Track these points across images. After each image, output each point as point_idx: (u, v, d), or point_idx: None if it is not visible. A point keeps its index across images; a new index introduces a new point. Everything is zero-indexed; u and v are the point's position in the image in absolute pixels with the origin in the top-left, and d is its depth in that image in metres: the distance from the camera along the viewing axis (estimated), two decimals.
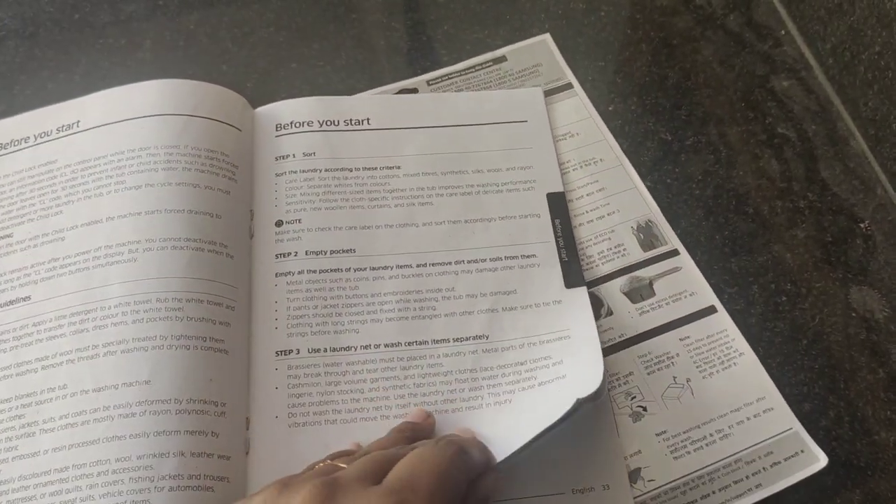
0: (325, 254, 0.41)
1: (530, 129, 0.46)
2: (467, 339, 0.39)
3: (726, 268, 0.42)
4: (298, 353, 0.38)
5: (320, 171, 0.44)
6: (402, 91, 0.48)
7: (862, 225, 0.44)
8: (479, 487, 0.30)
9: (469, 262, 0.41)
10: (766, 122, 0.48)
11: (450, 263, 0.41)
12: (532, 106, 0.47)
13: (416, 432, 0.35)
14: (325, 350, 0.38)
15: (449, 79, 0.49)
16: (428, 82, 0.49)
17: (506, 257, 0.42)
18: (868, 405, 0.39)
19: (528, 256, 0.42)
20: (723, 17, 0.52)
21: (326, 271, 0.40)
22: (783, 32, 0.51)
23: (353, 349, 0.39)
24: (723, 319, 0.40)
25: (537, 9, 0.52)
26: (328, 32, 0.52)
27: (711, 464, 0.37)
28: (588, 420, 0.37)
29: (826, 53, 0.49)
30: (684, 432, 0.37)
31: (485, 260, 0.41)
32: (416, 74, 0.49)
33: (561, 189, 0.44)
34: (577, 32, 0.51)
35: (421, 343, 0.39)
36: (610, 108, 0.48)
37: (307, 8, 0.53)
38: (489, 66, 0.50)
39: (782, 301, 0.42)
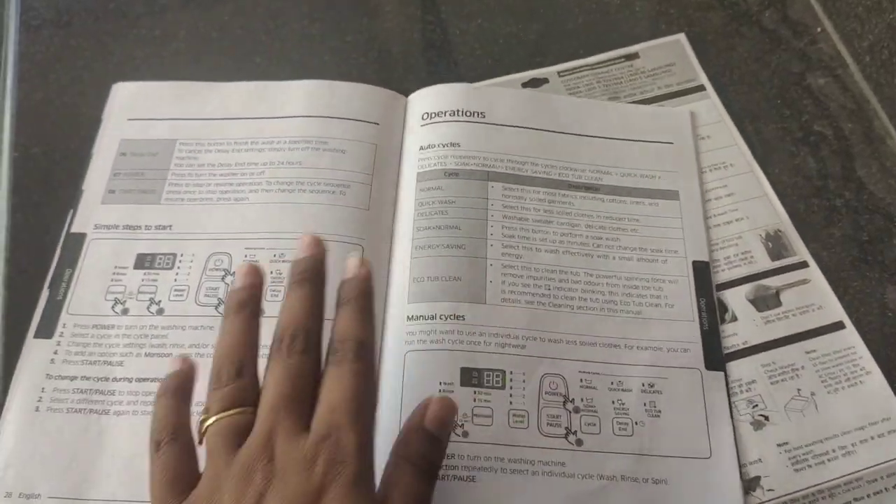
0: None
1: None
2: None
3: None
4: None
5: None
6: (532, 80, 0.48)
7: None
8: None
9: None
10: (802, 120, 0.47)
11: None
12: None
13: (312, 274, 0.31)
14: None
15: (580, 71, 0.49)
16: (559, 73, 0.48)
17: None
18: None
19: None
20: (758, 14, 0.52)
21: None
22: (819, 30, 0.51)
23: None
24: (851, 336, 0.40)
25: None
26: (362, 25, 0.52)
27: (832, 479, 0.36)
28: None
29: (863, 51, 0.48)
30: (806, 445, 0.37)
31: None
32: (460, 72, 0.49)
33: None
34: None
35: None
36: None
37: (341, 0, 0.53)
38: (621, 62, 0.49)
39: None
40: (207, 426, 0.28)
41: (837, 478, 0.36)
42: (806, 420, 0.38)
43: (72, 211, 0.42)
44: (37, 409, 0.36)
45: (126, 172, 0.43)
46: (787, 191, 0.45)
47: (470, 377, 0.37)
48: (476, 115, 0.44)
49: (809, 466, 0.36)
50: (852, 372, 0.39)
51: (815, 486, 0.36)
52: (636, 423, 0.37)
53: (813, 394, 0.38)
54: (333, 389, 0.28)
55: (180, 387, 0.30)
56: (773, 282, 0.41)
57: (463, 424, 0.36)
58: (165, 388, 0.30)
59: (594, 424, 0.37)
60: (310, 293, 0.30)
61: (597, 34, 0.51)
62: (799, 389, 0.38)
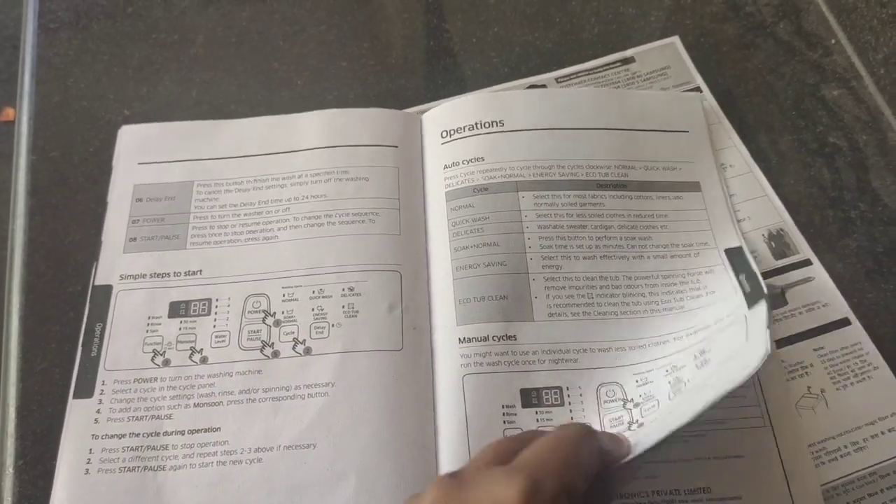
0: None
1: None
2: None
3: None
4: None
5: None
6: (530, 87, 0.48)
7: None
8: (608, 477, 0.30)
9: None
10: (816, 131, 0.48)
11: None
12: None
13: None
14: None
15: (577, 77, 0.49)
16: (557, 79, 0.49)
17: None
18: None
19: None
20: (772, 25, 0.52)
21: None
22: (833, 42, 0.51)
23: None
24: (857, 332, 0.40)
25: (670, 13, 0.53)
26: (379, 31, 0.52)
27: (846, 475, 0.36)
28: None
29: (877, 64, 0.49)
30: (819, 442, 0.37)
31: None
32: (477, 80, 0.49)
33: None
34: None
35: None
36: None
37: (358, 7, 0.53)
38: (617, 66, 0.50)
39: None
40: None
41: (851, 473, 0.37)
42: (817, 417, 0.38)
43: (95, 263, 0.41)
44: (87, 472, 0.35)
45: (145, 218, 0.42)
46: (803, 201, 0.45)
47: (530, 398, 0.37)
48: (494, 124, 0.44)
49: (823, 463, 0.37)
50: (860, 367, 0.39)
51: (828, 482, 0.36)
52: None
53: (823, 391, 0.39)
54: (549, 437, 0.29)
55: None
56: (777, 281, 0.42)
57: None
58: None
59: (655, 408, 0.36)
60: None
61: (612, 43, 0.51)
62: (809, 387, 0.39)
